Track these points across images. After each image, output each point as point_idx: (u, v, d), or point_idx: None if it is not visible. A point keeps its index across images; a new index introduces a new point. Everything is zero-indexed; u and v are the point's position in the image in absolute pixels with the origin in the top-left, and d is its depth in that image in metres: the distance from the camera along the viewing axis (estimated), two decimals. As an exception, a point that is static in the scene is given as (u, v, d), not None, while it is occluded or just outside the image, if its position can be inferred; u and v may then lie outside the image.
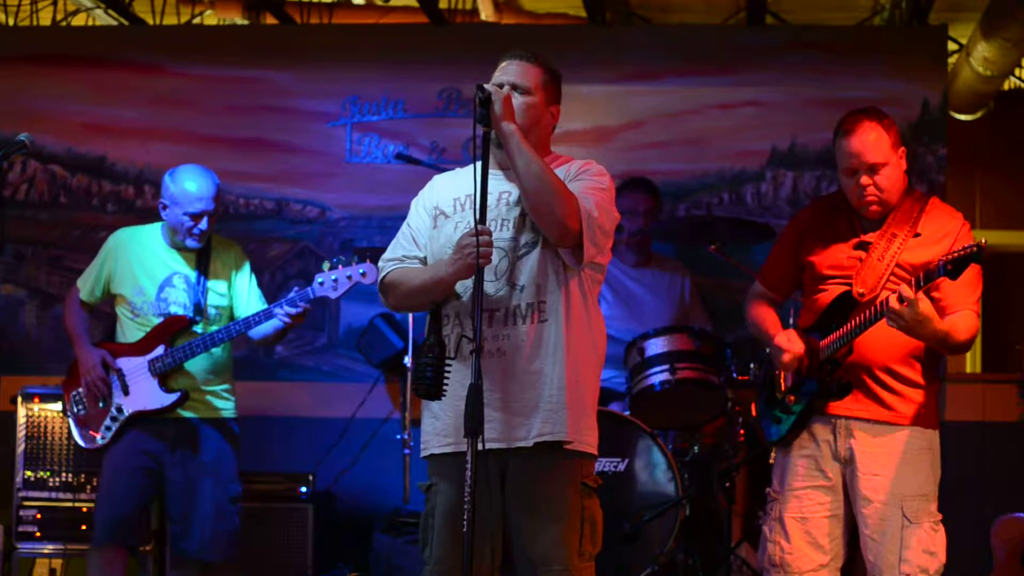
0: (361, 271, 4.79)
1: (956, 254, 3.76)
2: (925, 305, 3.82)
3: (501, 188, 3.59)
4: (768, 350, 4.28)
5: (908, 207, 4.10)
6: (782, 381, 4.21)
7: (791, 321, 4.30)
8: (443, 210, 3.68)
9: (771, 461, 4.38)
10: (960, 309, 4.01)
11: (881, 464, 4.03)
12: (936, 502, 4.08)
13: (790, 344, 4.13)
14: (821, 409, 4.10)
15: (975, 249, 3.72)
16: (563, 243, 3.51)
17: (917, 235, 4.05)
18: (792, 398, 4.16)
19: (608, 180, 3.65)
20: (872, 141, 4.03)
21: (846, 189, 4.12)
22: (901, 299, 3.79)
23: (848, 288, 4.07)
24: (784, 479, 4.17)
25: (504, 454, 3.51)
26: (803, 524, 4.11)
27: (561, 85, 3.73)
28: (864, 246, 4.10)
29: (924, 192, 4.21)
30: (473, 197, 3.51)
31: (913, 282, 3.84)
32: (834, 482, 4.10)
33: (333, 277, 4.80)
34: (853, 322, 3.99)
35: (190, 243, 4.95)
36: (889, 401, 4.06)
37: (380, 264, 3.72)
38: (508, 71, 3.64)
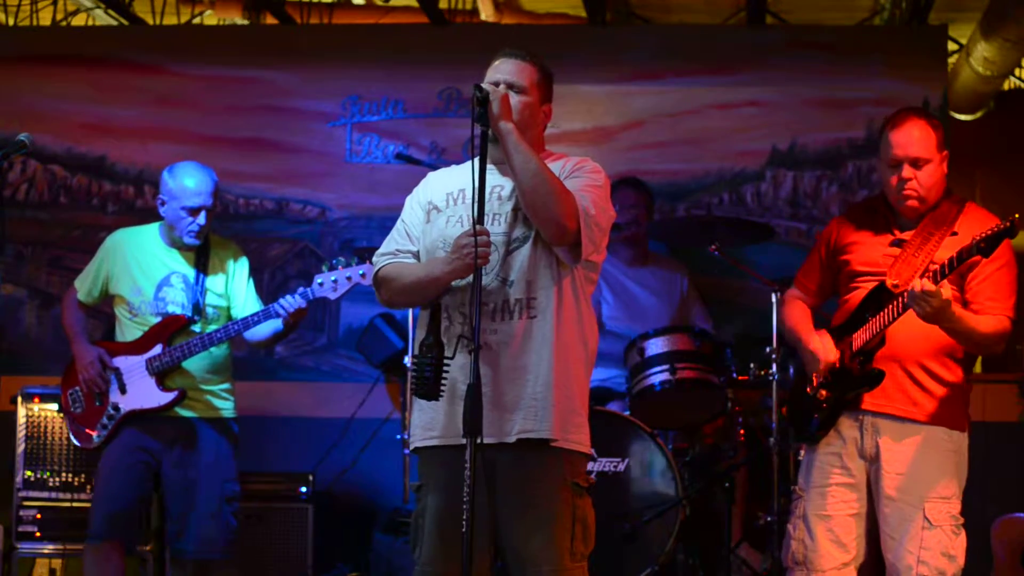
0: (360, 272, 4.79)
1: (989, 231, 3.75)
2: (947, 292, 3.82)
3: (494, 182, 3.59)
4: (800, 353, 4.26)
5: (945, 209, 4.11)
6: (814, 378, 4.20)
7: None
8: (436, 204, 3.68)
9: (800, 457, 4.38)
10: (990, 313, 4.00)
11: (906, 463, 4.02)
12: (959, 505, 4.05)
13: (825, 353, 4.12)
14: (852, 403, 4.09)
15: (1008, 224, 3.72)
16: (560, 242, 3.50)
17: (954, 234, 4.05)
18: (824, 393, 4.15)
19: (603, 177, 3.65)
20: (917, 136, 4.07)
21: (886, 183, 4.13)
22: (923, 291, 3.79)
23: (882, 282, 4.07)
24: (809, 476, 4.17)
25: (492, 450, 3.48)
26: (826, 522, 4.11)
27: (553, 85, 3.73)
28: (900, 243, 4.11)
29: (961, 197, 4.20)
30: (470, 193, 3.51)
31: (937, 273, 3.82)
32: (858, 479, 4.10)
33: (332, 278, 4.80)
34: (884, 314, 3.98)
35: (188, 240, 4.95)
36: (918, 398, 4.04)
37: (374, 259, 3.72)
38: (502, 69, 3.64)
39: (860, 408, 4.09)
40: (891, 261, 4.09)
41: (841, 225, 4.31)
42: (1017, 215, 3.74)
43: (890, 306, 3.97)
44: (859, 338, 4.06)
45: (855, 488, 4.10)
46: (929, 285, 3.79)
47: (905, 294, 3.89)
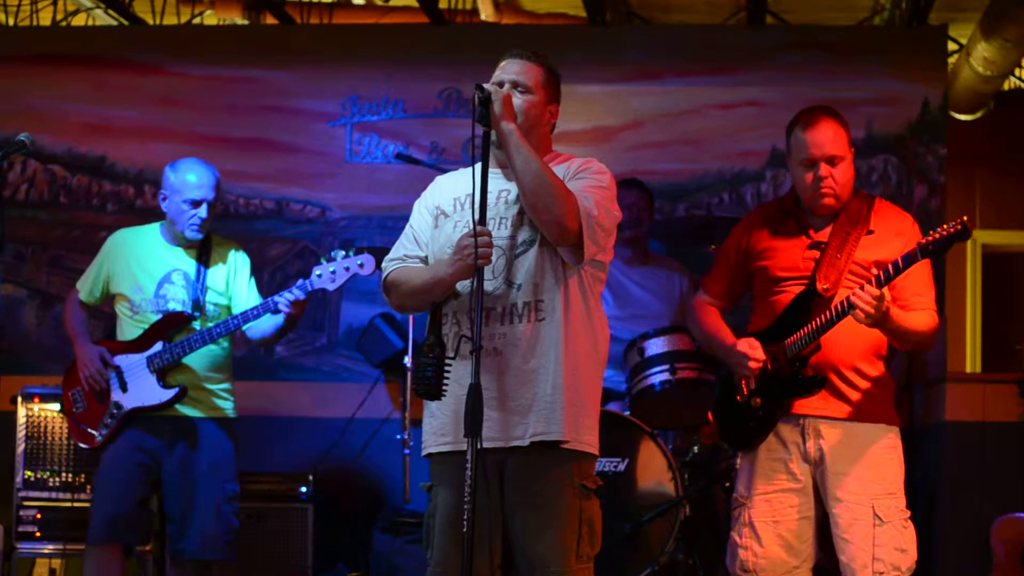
0: (359, 262, 4.79)
1: (939, 234, 3.76)
2: (888, 296, 3.84)
3: (500, 187, 3.60)
4: (727, 358, 4.23)
5: (856, 206, 4.12)
6: (743, 386, 4.18)
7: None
8: (443, 210, 3.69)
9: (737, 466, 4.37)
10: (917, 309, 4.03)
11: (850, 463, 4.03)
12: (904, 499, 4.07)
13: (754, 351, 4.11)
14: (788, 408, 4.09)
15: (960, 227, 3.72)
16: (562, 242, 3.50)
17: (870, 232, 4.08)
18: (758, 400, 4.13)
19: (608, 178, 3.65)
20: (832, 135, 4.07)
21: (800, 182, 4.12)
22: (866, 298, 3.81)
23: (810, 286, 4.07)
24: (751, 483, 4.15)
25: (501, 453, 3.51)
26: (775, 527, 4.10)
27: (560, 85, 3.73)
28: (817, 245, 4.10)
29: (867, 192, 4.24)
30: (473, 197, 3.50)
31: (879, 278, 3.85)
32: (803, 483, 4.09)
33: (331, 269, 4.80)
34: (820, 319, 3.99)
35: (189, 233, 4.95)
36: (856, 399, 4.05)
37: (383, 264, 3.74)
38: (509, 69, 3.64)
39: (799, 413, 4.08)
40: (813, 264, 4.08)
41: (752, 229, 4.27)
42: (966, 217, 3.75)
43: (825, 312, 3.97)
44: (792, 343, 4.05)
45: (801, 492, 4.10)
46: (876, 291, 3.81)
47: (844, 301, 3.89)
